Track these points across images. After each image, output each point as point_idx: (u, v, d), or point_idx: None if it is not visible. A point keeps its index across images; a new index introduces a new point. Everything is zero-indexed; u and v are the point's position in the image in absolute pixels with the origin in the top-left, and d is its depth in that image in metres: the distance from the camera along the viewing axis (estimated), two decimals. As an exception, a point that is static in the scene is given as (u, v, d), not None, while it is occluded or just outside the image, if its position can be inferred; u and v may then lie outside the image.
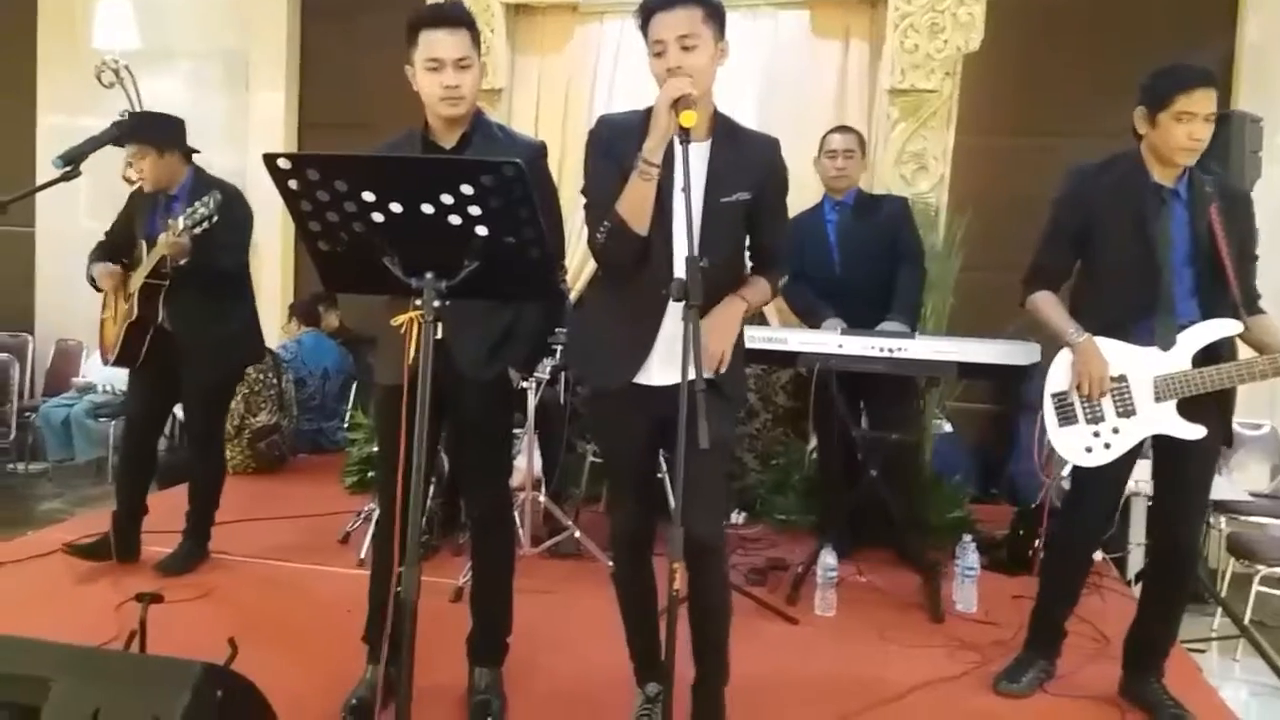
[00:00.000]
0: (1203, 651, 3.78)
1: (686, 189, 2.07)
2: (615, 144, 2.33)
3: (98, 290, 3.81)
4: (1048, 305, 2.90)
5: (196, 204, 3.39)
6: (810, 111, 5.30)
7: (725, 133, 2.37)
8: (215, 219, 3.37)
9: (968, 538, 3.81)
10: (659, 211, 2.27)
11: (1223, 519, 4.74)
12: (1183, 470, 2.80)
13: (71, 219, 6.53)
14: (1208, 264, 2.70)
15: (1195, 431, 2.71)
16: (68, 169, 3.24)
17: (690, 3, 2.23)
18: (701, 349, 2.01)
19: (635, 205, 2.26)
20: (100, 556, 3.76)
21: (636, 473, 2.52)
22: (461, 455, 2.95)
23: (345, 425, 5.74)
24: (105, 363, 3.86)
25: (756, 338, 3.65)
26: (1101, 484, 2.89)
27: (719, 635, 2.50)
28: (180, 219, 3.40)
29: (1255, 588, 4.00)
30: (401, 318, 2.08)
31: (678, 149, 2.12)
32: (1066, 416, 2.85)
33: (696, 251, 2.07)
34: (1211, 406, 2.73)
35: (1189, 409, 2.73)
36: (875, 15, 5.37)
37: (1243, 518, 4.67)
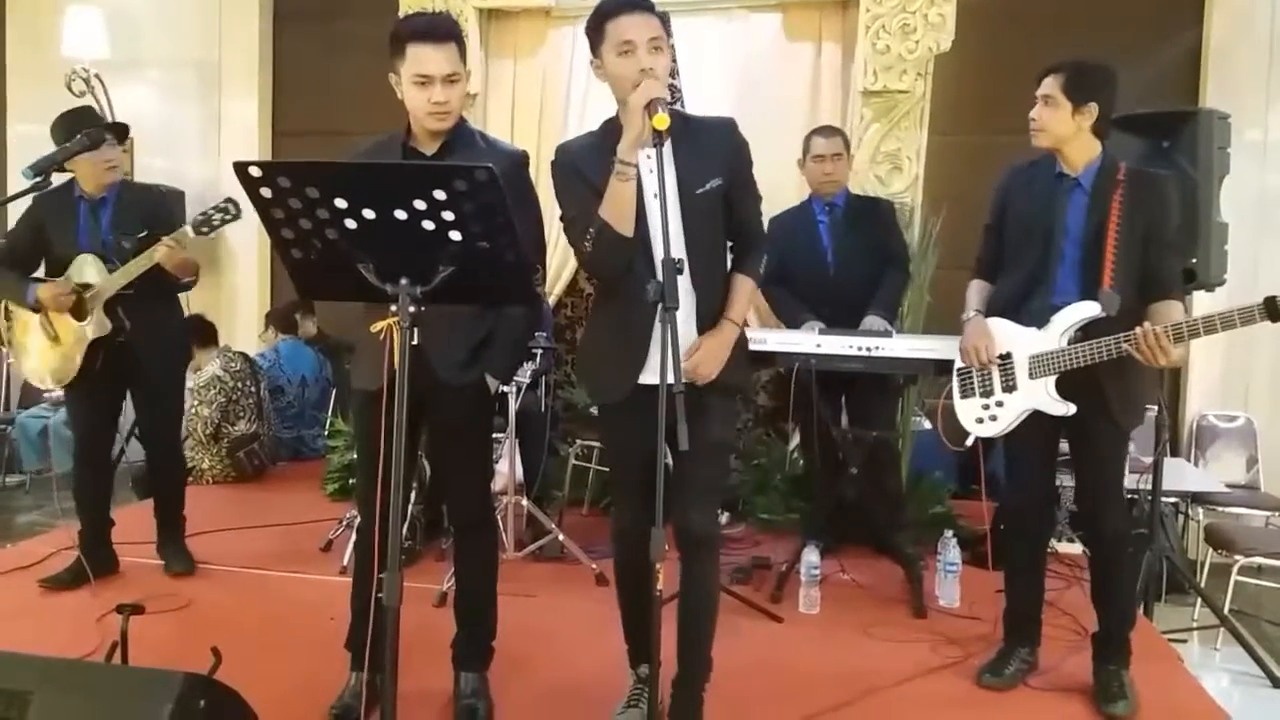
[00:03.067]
0: (1184, 641, 3.81)
1: (662, 192, 2.10)
2: (580, 166, 2.39)
3: (34, 310, 3.62)
4: (970, 291, 3.11)
5: (213, 210, 3.46)
6: (784, 114, 5.32)
7: (681, 128, 2.35)
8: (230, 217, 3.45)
9: (949, 533, 3.84)
10: (637, 218, 2.30)
11: (1200, 510, 4.79)
12: (1087, 450, 2.91)
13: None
14: (1095, 250, 2.80)
15: (1063, 408, 2.83)
16: (38, 179, 3.20)
17: (651, 11, 2.29)
18: (686, 359, 2.05)
19: (617, 207, 2.28)
20: (78, 582, 3.66)
21: (641, 478, 2.43)
22: (442, 461, 2.94)
23: (325, 432, 5.73)
24: (48, 386, 3.72)
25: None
26: (1023, 460, 3.02)
27: (705, 631, 2.51)
28: (188, 227, 3.41)
29: (1234, 577, 4.04)
30: (380, 324, 2.08)
31: (650, 154, 2.15)
32: (965, 389, 3.04)
33: (673, 254, 2.09)
34: (1103, 385, 2.79)
35: (1081, 388, 2.80)
36: (847, 17, 5.40)
37: (1220, 509, 4.73)
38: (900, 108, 5.20)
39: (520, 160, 2.64)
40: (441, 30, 2.47)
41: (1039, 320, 2.87)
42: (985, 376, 2.97)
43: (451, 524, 3.19)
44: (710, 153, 2.39)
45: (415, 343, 2.00)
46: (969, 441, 3.05)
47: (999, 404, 2.95)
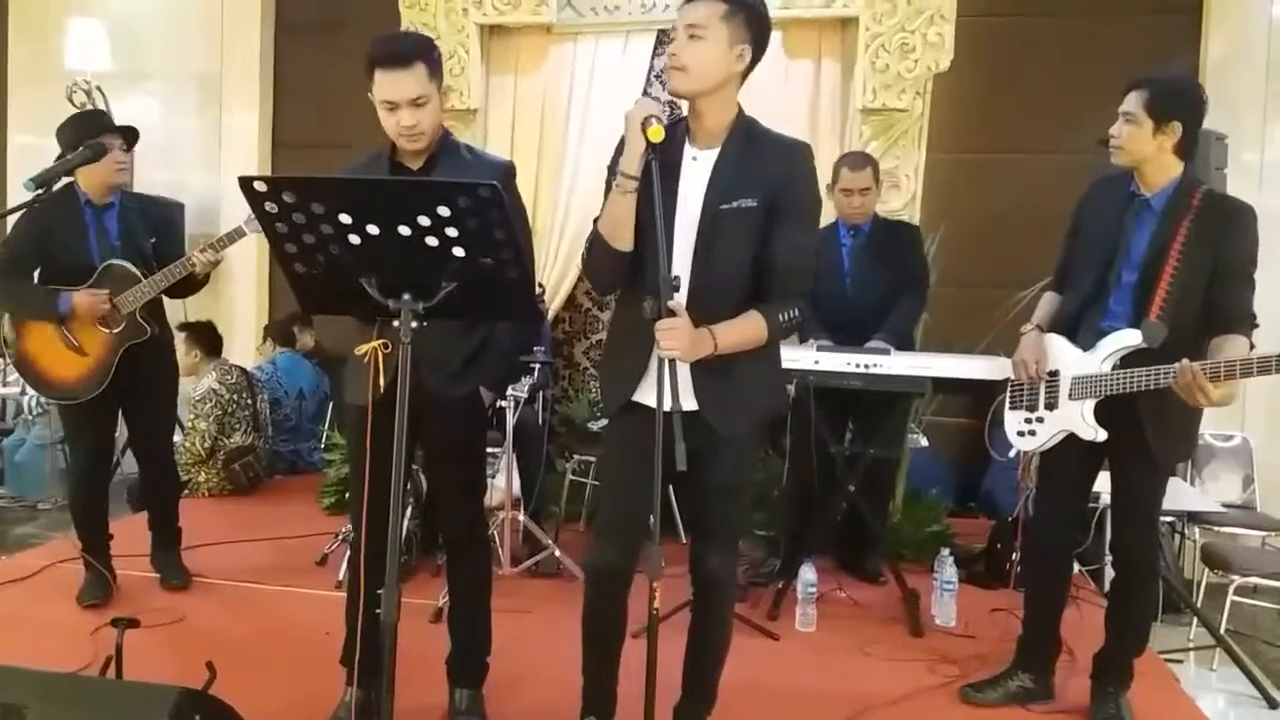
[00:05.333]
0: (1180, 662, 3.80)
1: (658, 206, 2.06)
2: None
3: (57, 320, 3.45)
4: (1041, 301, 3.11)
5: (241, 226, 3.37)
6: (784, 132, 5.32)
7: (741, 139, 2.28)
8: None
9: (946, 551, 3.84)
10: (653, 229, 2.11)
11: (1196, 530, 4.78)
12: (1121, 478, 2.87)
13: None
14: (1151, 277, 2.74)
15: (1093, 434, 2.81)
16: (39, 191, 3.19)
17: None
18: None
19: (614, 220, 2.22)
20: (109, 593, 3.69)
21: (623, 507, 2.36)
22: (435, 476, 2.94)
23: (322, 446, 5.72)
24: (74, 399, 3.51)
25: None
26: (1056, 480, 2.99)
27: (713, 667, 2.50)
28: (243, 225, 3.37)
29: (1230, 597, 4.02)
30: (365, 347, 2.08)
31: (695, 156, 2.18)
32: (1015, 401, 3.04)
33: (673, 270, 2.08)
34: (1141, 416, 2.73)
35: (1120, 416, 2.75)
36: (846, 36, 5.42)
37: (1216, 528, 4.72)
38: (899, 126, 5.23)
39: (508, 172, 2.63)
40: (404, 54, 2.42)
41: (1089, 342, 2.84)
42: (1033, 391, 2.96)
43: (443, 540, 3.18)
44: (756, 171, 2.23)
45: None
46: (1011, 453, 3.08)
47: (1040, 420, 2.94)
